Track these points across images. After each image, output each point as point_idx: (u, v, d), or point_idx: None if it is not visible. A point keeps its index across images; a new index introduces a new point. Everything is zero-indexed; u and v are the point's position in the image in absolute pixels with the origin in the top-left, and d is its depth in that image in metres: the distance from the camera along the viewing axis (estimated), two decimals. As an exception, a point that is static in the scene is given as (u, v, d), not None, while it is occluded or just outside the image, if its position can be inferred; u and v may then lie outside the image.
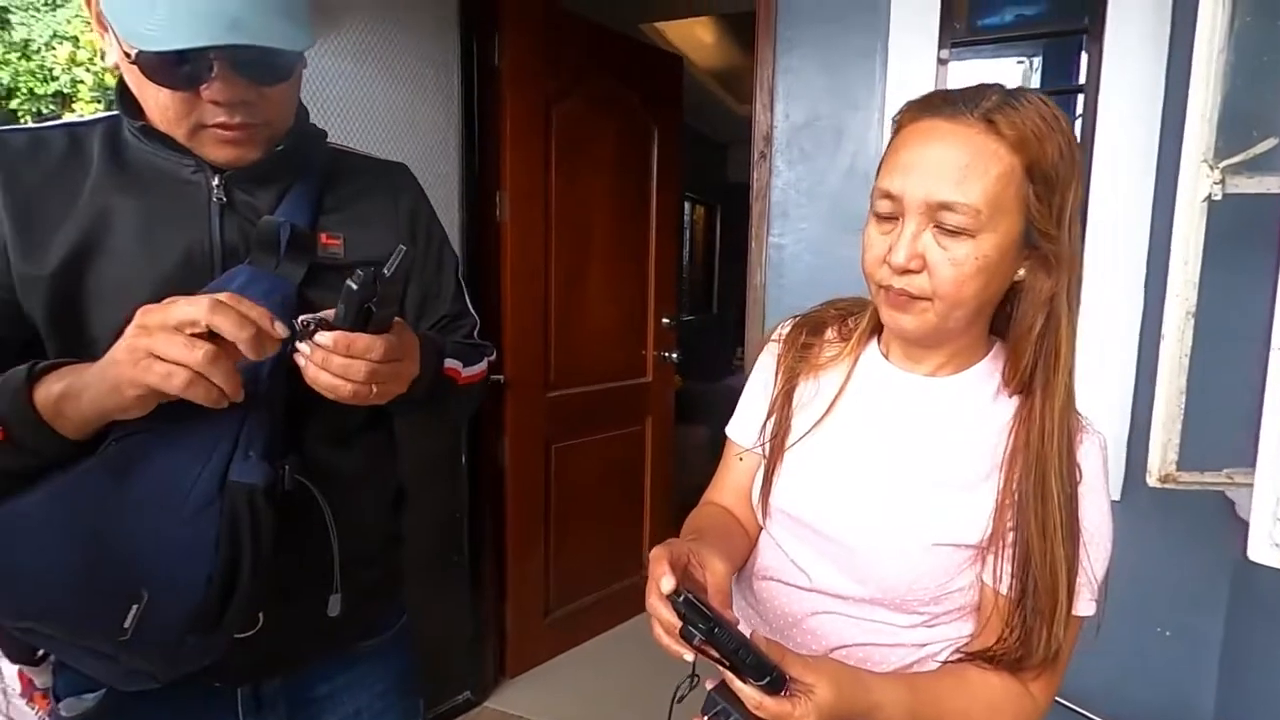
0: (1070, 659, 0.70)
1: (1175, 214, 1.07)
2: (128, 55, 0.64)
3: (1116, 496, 1.43)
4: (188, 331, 0.57)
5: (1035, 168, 0.61)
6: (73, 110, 10.81)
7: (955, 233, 0.61)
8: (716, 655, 0.58)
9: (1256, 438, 0.87)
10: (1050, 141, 0.60)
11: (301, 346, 0.64)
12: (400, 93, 1.78)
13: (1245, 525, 0.90)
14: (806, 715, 0.56)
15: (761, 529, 0.83)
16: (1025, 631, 0.67)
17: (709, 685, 0.60)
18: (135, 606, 0.62)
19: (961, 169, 0.60)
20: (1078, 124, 1.49)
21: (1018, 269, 0.65)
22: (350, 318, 0.63)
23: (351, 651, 0.86)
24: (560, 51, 2.19)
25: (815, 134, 1.69)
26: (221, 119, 0.68)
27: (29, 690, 1.19)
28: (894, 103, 1.60)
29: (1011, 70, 1.69)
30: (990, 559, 0.69)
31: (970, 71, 1.61)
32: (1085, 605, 0.68)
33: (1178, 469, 1.11)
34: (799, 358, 0.81)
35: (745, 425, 0.85)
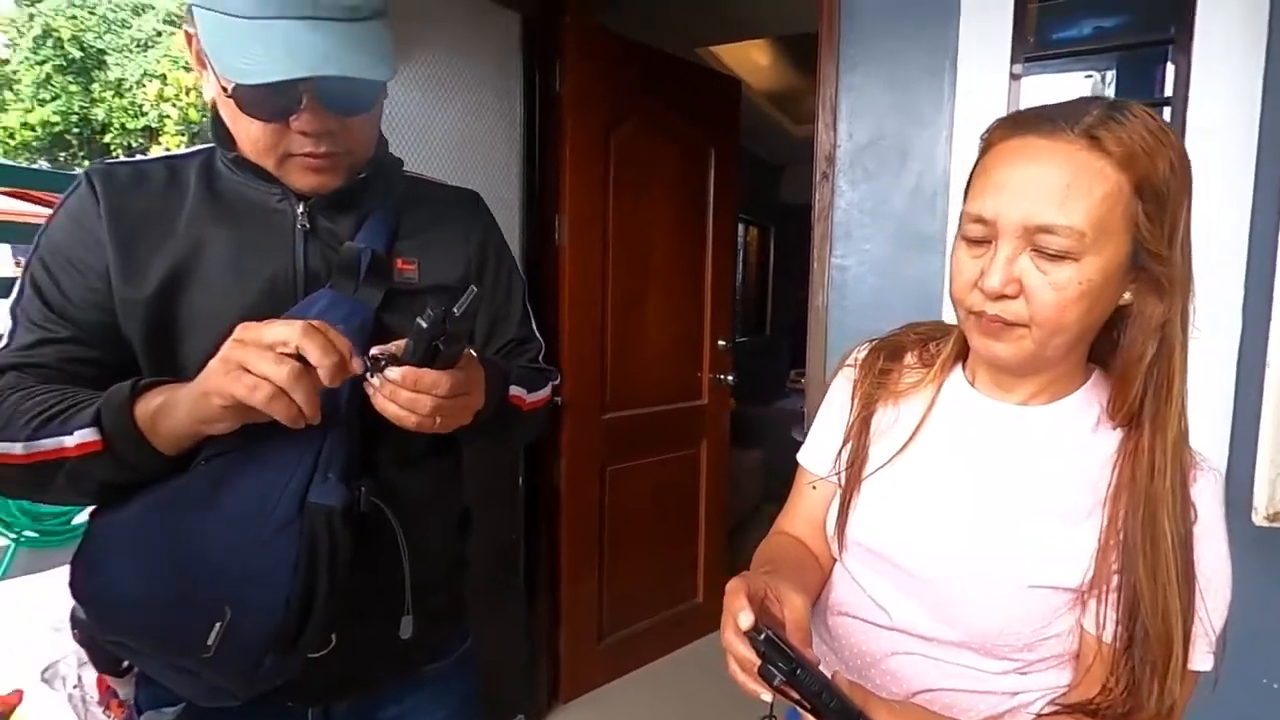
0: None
1: (1282, 232, 0.99)
2: (225, 90, 0.67)
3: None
4: (278, 350, 0.59)
5: (1145, 185, 0.57)
6: (159, 143, 11.55)
7: (1057, 257, 0.58)
8: (797, 697, 0.56)
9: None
10: (1160, 156, 0.57)
11: (372, 379, 0.65)
12: (465, 120, 1.83)
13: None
14: None
15: (836, 561, 0.80)
16: (1133, 684, 0.61)
17: None
18: (219, 624, 0.63)
19: (1063, 189, 0.57)
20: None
21: (1123, 293, 0.61)
22: (419, 354, 0.64)
23: (419, 675, 0.86)
24: (619, 77, 2.21)
25: (880, 153, 1.65)
26: (308, 149, 0.71)
27: (106, 698, 1.23)
28: (964, 120, 1.56)
29: (1080, 85, 1.62)
30: (1092, 604, 0.64)
31: (1045, 87, 1.56)
32: (1202, 659, 0.62)
33: (1290, 506, 1.02)
34: (877, 383, 0.78)
35: (819, 452, 0.82)
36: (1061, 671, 0.68)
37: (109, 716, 1.20)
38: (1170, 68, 1.42)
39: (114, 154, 11.74)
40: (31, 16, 12.09)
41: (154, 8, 12.19)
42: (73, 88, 11.96)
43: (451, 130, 1.79)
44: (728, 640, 0.58)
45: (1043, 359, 0.63)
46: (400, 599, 0.77)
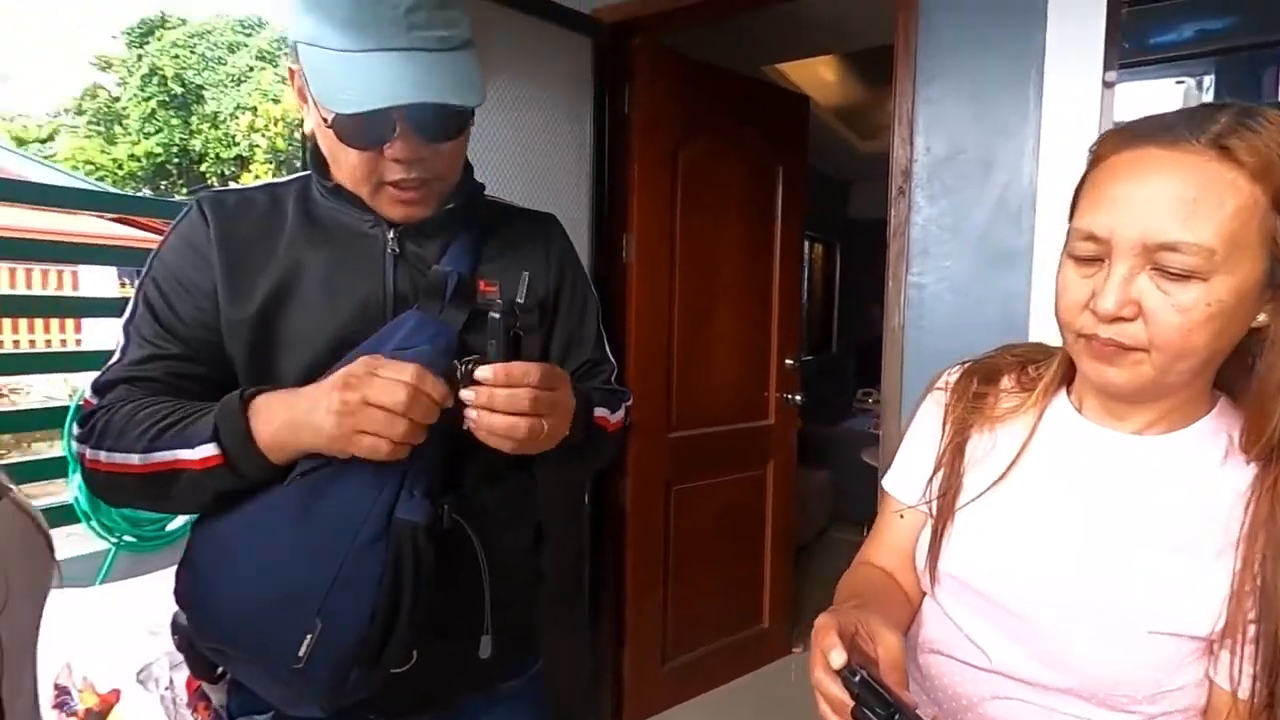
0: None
1: None
2: (325, 120, 0.70)
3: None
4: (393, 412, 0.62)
5: (1285, 197, 0.52)
6: (249, 170, 12.31)
7: (1181, 276, 0.53)
8: (894, 742, 0.52)
9: None
10: (1301, 166, 0.52)
11: (465, 395, 0.65)
12: (538, 143, 1.87)
13: None
14: None
15: (926, 595, 0.76)
16: (1274, 746, 0.55)
17: None
18: (310, 636, 0.65)
19: (1188, 204, 0.53)
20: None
21: (1258, 314, 0.56)
22: (501, 348, 0.66)
23: (495, 693, 0.87)
24: (687, 97, 2.22)
25: (959, 166, 1.60)
26: (400, 175, 0.73)
27: (194, 701, 1.28)
28: (1051, 130, 1.49)
29: (1170, 91, 1.53)
30: (1225, 655, 0.58)
31: (1142, 94, 1.47)
32: (1357, 721, 0.56)
33: None
34: (971, 408, 0.74)
35: (907, 480, 0.78)
36: (1187, 727, 0.62)
37: (197, 718, 1.25)
38: (1285, 70, 1.32)
39: (209, 181, 12.61)
40: (140, 57, 13.16)
41: (247, 45, 13.07)
42: (174, 121, 12.91)
43: (524, 152, 1.83)
44: (818, 680, 0.55)
45: (1163, 386, 0.59)
46: (479, 616, 0.77)
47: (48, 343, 6.16)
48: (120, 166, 12.87)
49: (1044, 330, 1.44)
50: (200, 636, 0.72)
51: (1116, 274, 0.56)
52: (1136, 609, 0.60)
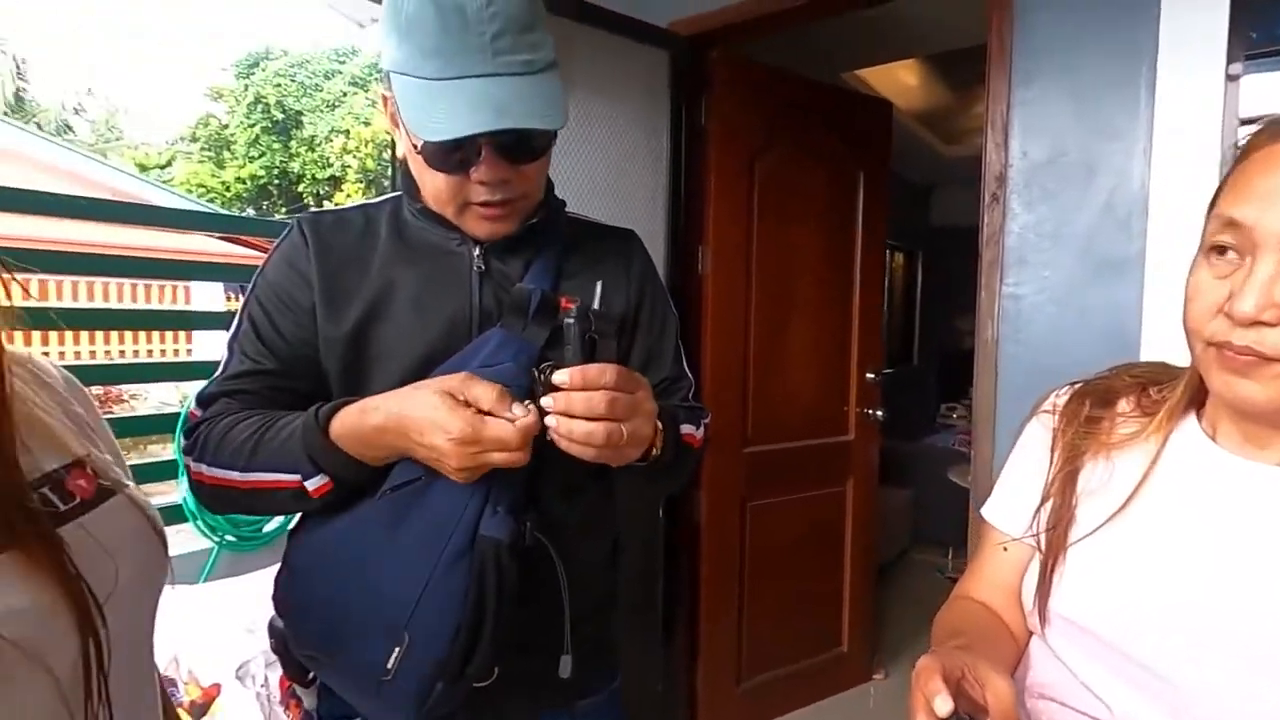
0: None
1: None
2: (414, 146, 0.73)
3: None
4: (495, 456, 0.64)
5: None
6: (341, 189, 13.05)
7: None
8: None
9: None
10: None
11: (545, 402, 0.65)
12: (613, 158, 1.88)
13: None
14: None
15: (1033, 635, 0.70)
16: None
17: None
18: (398, 648, 0.66)
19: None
20: None
21: None
22: (577, 352, 0.66)
23: (573, 709, 0.86)
24: (765, 106, 2.19)
25: (1060, 170, 1.50)
26: (484, 197, 0.75)
27: (286, 699, 1.33)
28: (1165, 129, 1.38)
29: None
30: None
31: (1271, 88, 1.34)
32: None
33: None
34: (1084, 433, 0.68)
35: (1010, 509, 0.73)
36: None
37: (288, 716, 1.30)
38: None
39: (306, 201, 13.43)
40: (246, 87, 14.19)
41: (341, 72, 13.88)
42: (275, 145, 13.84)
43: (600, 167, 1.85)
44: None
45: (1316, 407, 0.52)
46: (559, 633, 0.76)
47: (163, 352, 6.69)
48: (228, 188, 13.90)
49: (1159, 346, 1.33)
50: (296, 643, 0.75)
51: (1259, 273, 0.50)
52: (1285, 663, 0.53)
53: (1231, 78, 1.32)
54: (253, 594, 1.38)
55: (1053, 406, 0.72)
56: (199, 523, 1.54)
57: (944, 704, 0.49)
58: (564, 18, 1.72)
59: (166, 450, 1.70)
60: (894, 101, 2.76)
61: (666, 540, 2.09)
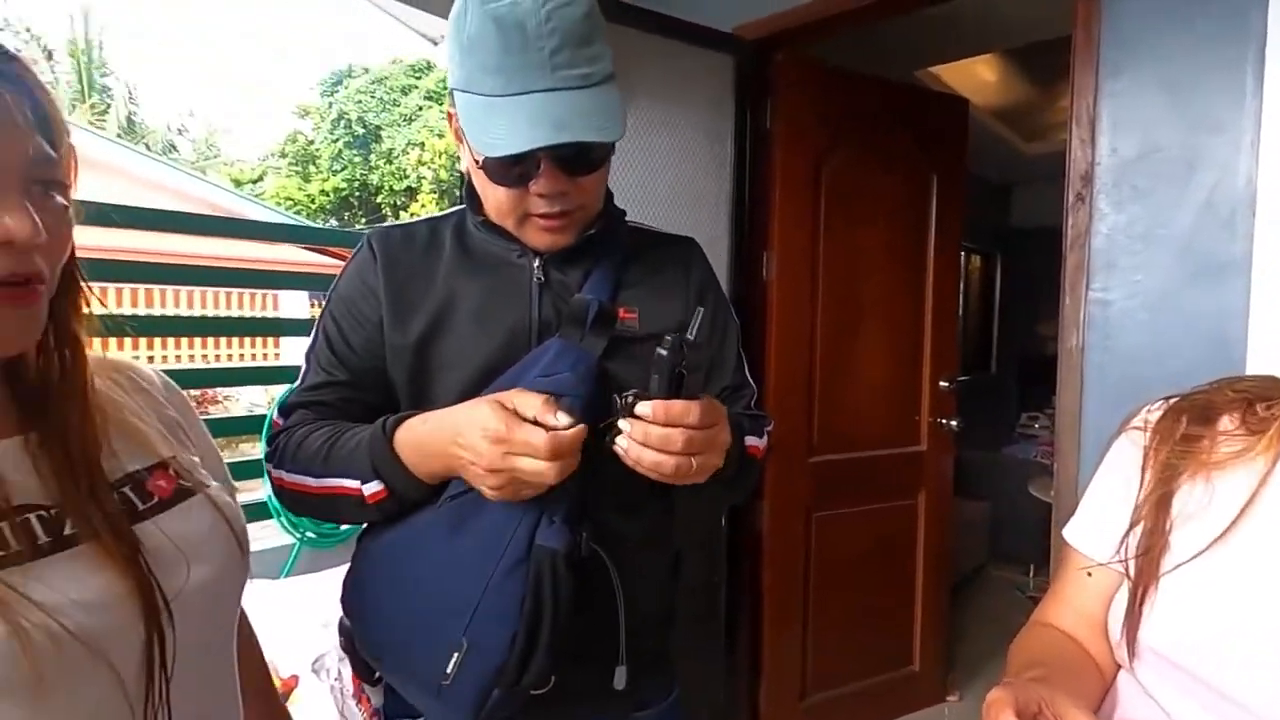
0: None
1: None
2: (476, 161, 0.75)
3: None
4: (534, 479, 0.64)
5: None
6: (417, 200, 13.57)
7: None
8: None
9: None
10: None
11: (622, 424, 0.66)
12: (677, 164, 1.88)
13: None
14: None
15: (1120, 668, 0.65)
16: None
17: None
18: (457, 654, 0.67)
19: None
20: None
21: None
22: (665, 385, 0.64)
23: (632, 721, 0.86)
24: (832, 108, 2.14)
25: (1154, 167, 1.40)
26: (543, 209, 0.76)
27: (358, 692, 1.38)
28: (1274, 121, 1.27)
29: None
30: None
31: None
32: None
33: None
34: (1180, 452, 0.63)
35: (1095, 532, 0.68)
36: None
37: (360, 709, 1.35)
38: None
39: (384, 211, 14.03)
40: (330, 104, 14.96)
41: (417, 87, 14.43)
42: (356, 159, 14.52)
43: (663, 174, 1.85)
44: None
45: None
46: (615, 644, 0.76)
47: (254, 357, 7.11)
48: (313, 201, 14.68)
49: (1268, 357, 1.22)
50: (361, 645, 0.78)
51: None
52: None
53: (1354, 61, 1.20)
54: (329, 590, 1.44)
55: (1144, 423, 0.67)
56: (282, 519, 1.62)
57: (1018, 741, 0.46)
58: (627, 26, 1.73)
59: (256, 449, 1.80)
60: (970, 98, 2.65)
61: (728, 548, 2.07)
